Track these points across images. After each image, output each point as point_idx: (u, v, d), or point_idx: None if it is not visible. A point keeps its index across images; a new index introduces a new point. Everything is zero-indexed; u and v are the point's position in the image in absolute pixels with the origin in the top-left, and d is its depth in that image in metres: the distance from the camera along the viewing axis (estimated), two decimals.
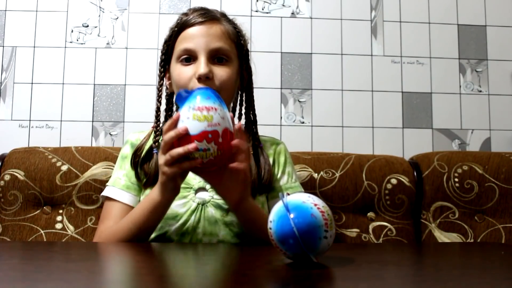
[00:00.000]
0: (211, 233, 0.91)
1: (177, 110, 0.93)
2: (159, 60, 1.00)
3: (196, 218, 0.91)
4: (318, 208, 0.58)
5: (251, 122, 1.02)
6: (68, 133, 1.44)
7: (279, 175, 1.01)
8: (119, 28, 1.48)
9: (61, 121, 1.44)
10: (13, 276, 0.54)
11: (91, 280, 0.53)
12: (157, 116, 0.99)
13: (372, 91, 1.52)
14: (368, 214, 1.26)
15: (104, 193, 0.97)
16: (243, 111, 1.03)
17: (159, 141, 0.89)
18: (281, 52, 1.51)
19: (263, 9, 1.52)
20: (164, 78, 0.99)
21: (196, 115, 0.72)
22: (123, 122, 1.45)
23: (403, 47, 1.54)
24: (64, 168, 1.19)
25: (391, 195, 1.25)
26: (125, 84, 1.47)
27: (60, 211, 1.18)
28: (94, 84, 1.46)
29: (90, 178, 1.19)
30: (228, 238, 0.91)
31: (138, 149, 0.98)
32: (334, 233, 0.59)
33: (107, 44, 1.48)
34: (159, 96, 0.97)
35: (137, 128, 1.15)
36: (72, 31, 1.47)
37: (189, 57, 0.92)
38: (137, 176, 0.96)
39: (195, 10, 0.96)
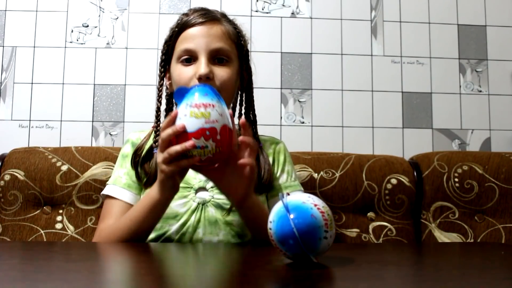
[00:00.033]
0: (211, 233, 0.91)
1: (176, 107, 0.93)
2: (159, 60, 1.00)
3: (196, 218, 0.92)
4: (318, 209, 0.58)
5: (251, 122, 1.02)
6: (68, 133, 1.44)
7: (278, 174, 1.01)
8: (119, 28, 1.48)
9: (61, 121, 1.44)
10: (13, 276, 0.54)
11: (91, 280, 0.53)
12: (158, 116, 0.99)
13: (372, 91, 1.52)
14: (368, 214, 1.26)
15: (104, 192, 0.97)
16: (243, 111, 1.03)
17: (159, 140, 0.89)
18: (281, 52, 1.52)
19: (263, 9, 1.52)
20: (165, 78, 0.99)
21: (193, 112, 0.71)
22: (123, 122, 1.46)
23: (403, 47, 1.54)
24: (64, 168, 1.19)
25: (391, 195, 1.25)
26: (125, 84, 1.47)
27: (60, 211, 1.18)
28: (94, 84, 1.46)
29: (90, 178, 1.19)
30: (229, 237, 0.92)
31: (139, 148, 0.98)
32: (334, 233, 0.59)
33: (107, 44, 1.48)
34: (159, 96, 0.97)
35: (137, 128, 1.15)
36: (72, 31, 1.47)
37: (190, 58, 0.92)
38: (137, 175, 0.96)
39: (195, 10, 0.96)
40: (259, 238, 0.85)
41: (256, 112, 1.03)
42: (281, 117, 1.49)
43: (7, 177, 1.17)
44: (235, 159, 0.76)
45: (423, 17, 1.56)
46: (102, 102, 1.46)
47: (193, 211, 0.92)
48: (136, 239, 0.85)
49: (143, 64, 1.47)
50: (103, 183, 1.14)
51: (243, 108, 1.03)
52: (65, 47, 1.47)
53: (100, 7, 1.49)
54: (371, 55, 1.53)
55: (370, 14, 1.55)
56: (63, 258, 0.69)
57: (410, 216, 1.27)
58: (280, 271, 0.58)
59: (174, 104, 0.98)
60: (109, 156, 1.21)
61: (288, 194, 0.61)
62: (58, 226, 1.17)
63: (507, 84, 1.56)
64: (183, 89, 0.75)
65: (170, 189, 0.80)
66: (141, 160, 0.96)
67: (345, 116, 1.51)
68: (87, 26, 1.48)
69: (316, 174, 1.24)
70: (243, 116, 1.02)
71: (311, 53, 1.52)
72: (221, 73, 0.91)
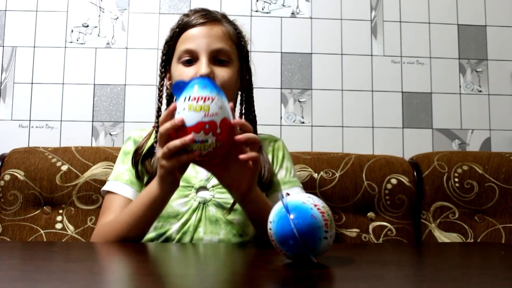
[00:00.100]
0: (212, 232, 0.91)
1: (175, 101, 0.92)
2: (159, 60, 1.00)
3: (197, 217, 0.92)
4: (318, 209, 0.58)
5: (251, 122, 1.02)
6: (68, 133, 1.44)
7: (277, 170, 1.01)
8: (119, 28, 1.48)
9: (61, 121, 1.44)
10: (13, 276, 0.54)
11: (91, 280, 0.53)
12: (158, 116, 0.99)
13: (372, 91, 1.52)
14: (368, 214, 1.26)
15: (106, 188, 0.96)
16: (243, 111, 1.03)
17: None
18: (281, 52, 1.52)
19: (263, 9, 1.52)
20: (165, 79, 0.99)
21: (192, 106, 0.69)
22: (123, 122, 1.46)
23: (403, 47, 1.55)
24: (64, 168, 1.19)
25: (391, 195, 1.25)
26: (125, 84, 1.47)
27: (60, 211, 1.18)
28: (94, 84, 1.46)
29: (90, 178, 1.19)
30: (229, 237, 0.92)
31: (139, 147, 0.98)
32: (334, 234, 0.59)
33: (107, 44, 1.48)
34: (160, 97, 0.97)
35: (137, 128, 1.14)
36: (72, 31, 1.47)
37: (191, 59, 0.92)
38: (137, 174, 0.96)
39: (196, 11, 0.97)
40: (262, 232, 0.84)
41: (256, 112, 1.03)
42: (281, 117, 1.49)
43: (7, 177, 1.17)
44: (237, 153, 0.75)
45: (423, 17, 1.56)
46: (102, 102, 1.46)
47: (194, 210, 0.92)
48: (135, 235, 0.85)
49: (143, 64, 1.47)
50: (103, 183, 1.13)
51: (243, 108, 1.03)
52: (65, 47, 1.47)
53: (100, 7, 1.49)
54: (371, 55, 1.53)
55: (370, 14, 1.55)
56: (63, 258, 0.69)
57: (410, 216, 1.27)
58: (280, 271, 0.58)
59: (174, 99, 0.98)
60: (109, 156, 1.21)
61: (288, 194, 0.61)
62: (58, 226, 1.17)
63: (507, 84, 1.56)
64: (181, 83, 0.73)
65: (170, 184, 0.79)
66: (141, 159, 0.96)
67: (345, 116, 1.51)
68: (87, 26, 1.48)
69: (316, 174, 1.25)
70: (242, 117, 1.03)
71: (311, 53, 1.52)
72: (222, 73, 0.92)
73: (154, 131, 1.00)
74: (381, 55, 1.54)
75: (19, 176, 1.17)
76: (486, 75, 1.56)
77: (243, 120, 0.78)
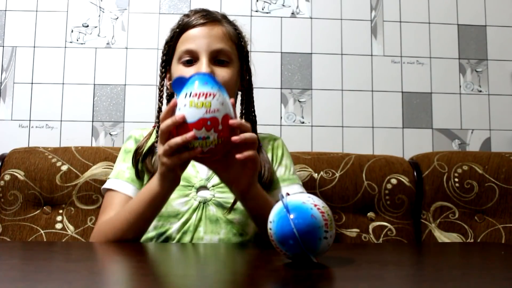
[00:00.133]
0: (212, 232, 0.92)
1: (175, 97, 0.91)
2: (159, 60, 1.00)
3: (197, 216, 0.92)
4: (318, 209, 0.58)
5: (251, 122, 1.02)
6: (68, 133, 1.44)
7: (276, 167, 1.01)
8: (119, 28, 1.48)
9: (61, 121, 1.44)
10: (13, 276, 0.54)
11: (91, 280, 0.53)
12: (159, 116, 0.99)
13: (372, 91, 1.52)
14: (368, 214, 1.26)
15: (107, 186, 0.96)
16: (243, 111, 1.03)
17: None
18: (281, 52, 1.52)
19: (263, 9, 1.52)
20: (165, 79, 0.99)
21: (193, 102, 0.68)
22: (123, 122, 1.46)
23: (403, 47, 1.55)
24: (64, 168, 1.19)
25: (391, 195, 1.25)
26: (125, 84, 1.47)
27: (60, 211, 1.18)
28: (94, 84, 1.46)
29: (90, 178, 1.19)
30: (230, 236, 0.92)
31: (139, 147, 0.98)
32: (334, 233, 0.59)
33: (107, 44, 1.48)
34: (160, 97, 0.98)
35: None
36: (72, 31, 1.47)
37: (191, 59, 0.93)
38: (137, 174, 0.96)
39: (196, 11, 0.97)
40: (264, 229, 0.84)
41: (256, 112, 1.03)
42: (281, 117, 1.49)
43: (7, 177, 1.17)
44: (236, 151, 0.74)
45: (423, 17, 1.56)
46: (102, 102, 1.46)
47: (194, 210, 0.92)
48: (135, 232, 0.85)
49: (143, 64, 1.47)
50: (103, 183, 1.13)
51: (243, 108, 1.04)
52: (65, 47, 1.47)
53: (100, 7, 1.49)
54: (371, 55, 1.53)
55: (370, 14, 1.55)
56: (63, 258, 0.69)
57: (410, 216, 1.27)
58: (280, 271, 0.58)
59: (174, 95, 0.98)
60: (109, 156, 1.21)
61: (288, 194, 0.61)
62: (58, 226, 1.17)
63: (507, 84, 1.56)
64: (182, 79, 0.72)
65: (171, 182, 0.79)
66: (142, 158, 0.96)
67: (345, 116, 1.51)
68: (87, 26, 1.48)
69: (316, 174, 1.25)
70: (243, 117, 1.03)
71: (311, 53, 1.52)
72: (222, 73, 0.92)
73: (154, 131, 1.00)
74: (381, 55, 1.54)
75: (19, 176, 1.17)
76: (486, 75, 1.56)
77: (241, 120, 0.77)
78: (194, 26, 0.94)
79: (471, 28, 1.57)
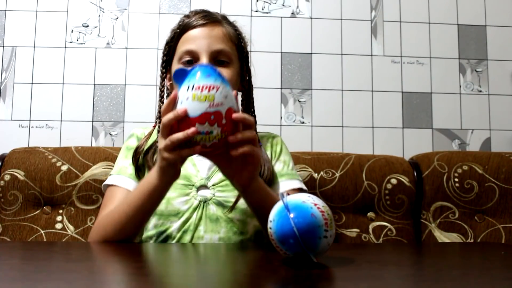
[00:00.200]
0: (212, 230, 0.92)
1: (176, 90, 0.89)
2: (159, 60, 1.01)
3: (198, 215, 0.92)
4: (318, 208, 0.58)
5: None
6: (68, 133, 1.44)
7: (274, 162, 1.01)
8: (119, 28, 1.48)
9: (61, 121, 1.44)
10: (13, 276, 0.54)
11: (91, 280, 0.53)
12: (159, 117, 0.99)
13: (372, 91, 1.52)
14: (368, 214, 1.26)
15: (108, 182, 0.96)
16: (243, 111, 1.03)
17: None
18: (281, 52, 1.52)
19: (263, 9, 1.52)
20: (166, 79, 1.00)
21: (196, 95, 0.65)
22: (123, 122, 1.46)
23: (403, 47, 1.55)
24: (64, 168, 1.19)
25: (391, 195, 1.25)
26: (125, 84, 1.47)
27: (60, 211, 1.18)
28: (94, 84, 1.46)
29: (90, 178, 1.19)
30: (230, 235, 0.92)
31: (139, 147, 0.98)
32: (334, 233, 0.59)
33: (107, 44, 1.48)
34: (161, 97, 0.98)
35: None
36: (72, 31, 1.47)
37: (191, 60, 0.93)
38: (137, 173, 0.96)
39: (196, 12, 0.98)
40: (265, 225, 0.84)
41: (256, 112, 1.04)
42: (281, 117, 1.49)
43: (7, 177, 1.17)
44: (234, 145, 0.72)
45: (423, 17, 1.56)
46: (102, 102, 1.46)
47: (194, 209, 0.92)
48: (133, 226, 0.84)
49: (143, 64, 1.47)
50: (103, 183, 1.14)
51: (243, 108, 1.04)
52: (65, 47, 1.47)
53: (100, 7, 1.49)
54: (371, 55, 1.53)
55: (370, 14, 1.55)
56: (63, 258, 0.69)
57: (410, 216, 1.27)
58: (280, 271, 0.58)
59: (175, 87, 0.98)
60: (109, 156, 1.21)
61: (288, 194, 0.61)
62: (58, 226, 1.17)
63: (507, 84, 1.56)
64: (183, 70, 0.69)
65: (171, 176, 0.78)
66: (142, 155, 0.96)
67: (345, 116, 1.51)
68: (87, 26, 1.48)
69: (316, 174, 1.25)
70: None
71: (311, 53, 1.52)
72: (222, 74, 0.92)
73: (154, 131, 1.00)
74: (381, 55, 1.54)
75: (19, 176, 1.17)
76: (486, 75, 1.56)
77: (244, 114, 0.75)
78: (194, 26, 0.94)
79: (471, 28, 1.57)
